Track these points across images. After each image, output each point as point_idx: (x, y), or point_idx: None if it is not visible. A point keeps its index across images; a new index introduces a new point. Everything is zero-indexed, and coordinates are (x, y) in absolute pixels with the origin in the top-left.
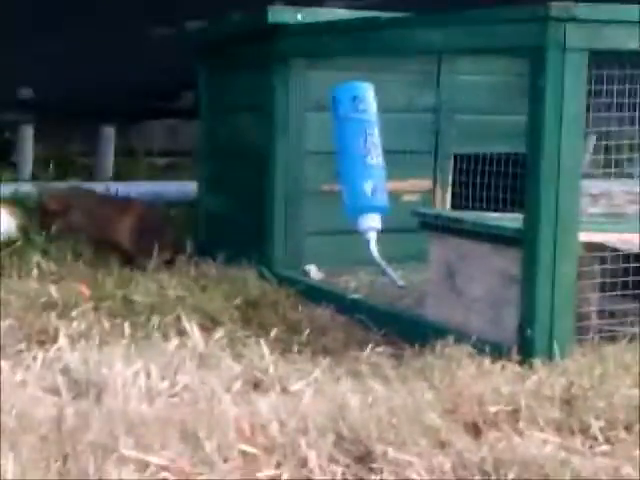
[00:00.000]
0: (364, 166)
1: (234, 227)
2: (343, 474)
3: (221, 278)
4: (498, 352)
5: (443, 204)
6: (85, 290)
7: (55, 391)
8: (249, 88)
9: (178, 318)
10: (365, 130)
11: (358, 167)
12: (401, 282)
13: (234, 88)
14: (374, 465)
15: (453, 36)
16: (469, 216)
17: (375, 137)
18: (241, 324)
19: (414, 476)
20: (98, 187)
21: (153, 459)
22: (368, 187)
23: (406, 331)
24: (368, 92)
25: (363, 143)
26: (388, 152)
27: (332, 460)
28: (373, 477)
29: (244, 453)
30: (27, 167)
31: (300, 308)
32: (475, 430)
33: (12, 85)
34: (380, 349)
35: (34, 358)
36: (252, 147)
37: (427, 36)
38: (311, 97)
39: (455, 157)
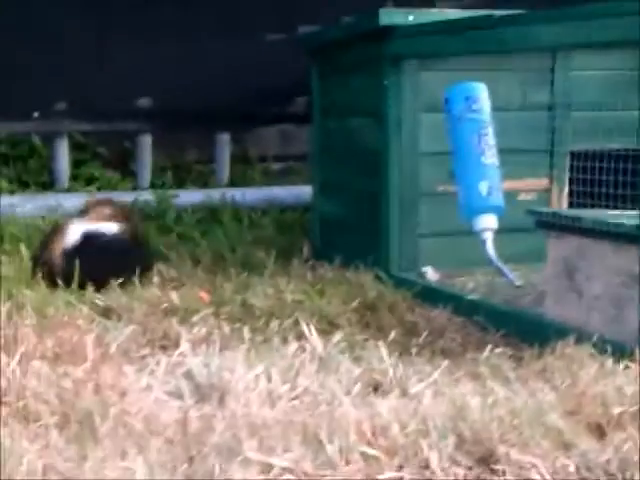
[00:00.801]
0: (479, 166)
1: (349, 230)
2: (465, 476)
3: (338, 281)
4: (620, 352)
5: (560, 203)
6: (205, 296)
7: (179, 395)
8: (362, 91)
9: (296, 322)
10: (479, 130)
11: (473, 167)
12: (518, 282)
13: (347, 91)
14: (496, 467)
15: (568, 31)
16: (587, 214)
17: (490, 136)
18: (359, 327)
19: (537, 478)
20: (214, 194)
21: (276, 461)
22: (483, 187)
23: (525, 332)
24: (482, 92)
25: (478, 143)
26: (503, 151)
27: (454, 462)
28: (495, 479)
29: (365, 455)
30: (146, 175)
31: (417, 310)
32: (599, 431)
33: (130, 94)
34: (499, 350)
35: (157, 363)
36: (366, 150)
37: (542, 32)
38: (424, 98)
39: (572, 154)
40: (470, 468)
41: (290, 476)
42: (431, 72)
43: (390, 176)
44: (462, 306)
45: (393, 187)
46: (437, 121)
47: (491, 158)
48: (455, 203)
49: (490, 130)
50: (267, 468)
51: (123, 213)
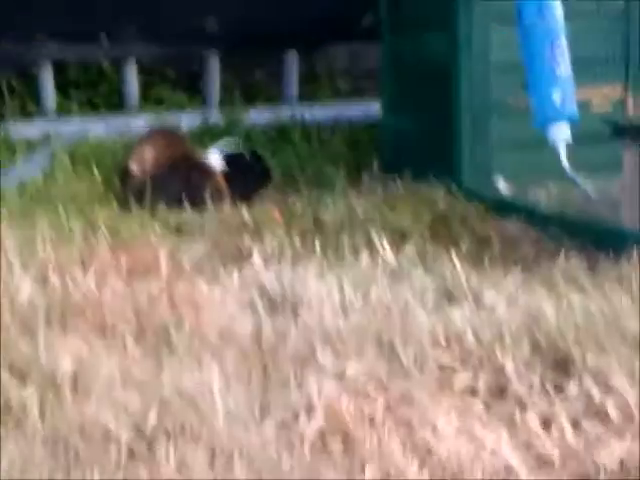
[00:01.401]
0: (552, 75)
1: (420, 144)
2: (541, 381)
3: (409, 195)
4: None
5: (635, 111)
6: (277, 215)
7: (252, 308)
8: (431, 3)
9: (368, 235)
10: (552, 38)
11: (546, 76)
12: (593, 192)
13: (415, 5)
14: (572, 371)
15: None
16: None
17: (562, 45)
18: (431, 239)
19: (614, 382)
20: (283, 112)
21: (351, 368)
22: (557, 96)
23: (600, 241)
24: (554, 1)
25: (550, 52)
26: (576, 60)
27: (529, 368)
28: (572, 383)
29: (440, 363)
30: (214, 96)
31: (490, 222)
32: None
33: (197, 16)
34: (574, 259)
35: (230, 278)
36: (437, 64)
37: None
38: (495, 8)
39: None
40: (546, 373)
41: (364, 383)
42: None
43: (461, 89)
44: (536, 218)
45: (464, 100)
46: (509, 31)
47: (564, 67)
48: (528, 114)
49: (563, 38)
50: (341, 375)
51: (178, 140)
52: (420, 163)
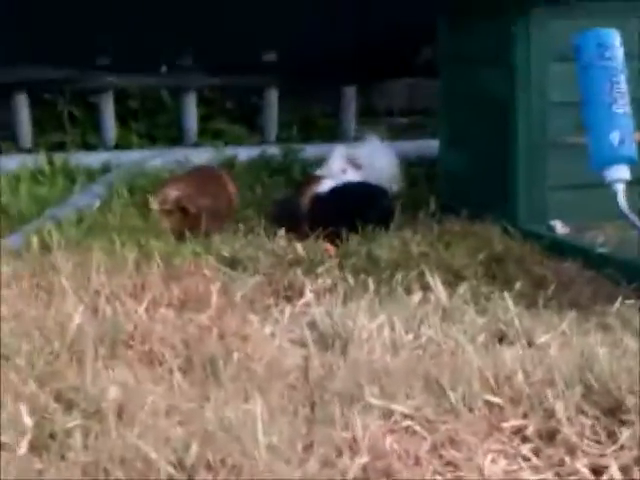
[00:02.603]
0: (610, 115)
1: (477, 183)
2: (592, 426)
3: (464, 234)
4: None
5: None
6: (330, 249)
7: (302, 343)
8: (489, 40)
9: (421, 273)
10: (611, 78)
11: (604, 116)
12: None
13: (474, 41)
14: (625, 417)
15: None
16: None
17: (622, 85)
18: (485, 279)
19: None
20: (340, 148)
21: (398, 407)
22: (615, 137)
23: None
24: (614, 39)
25: (609, 91)
26: (636, 100)
27: (580, 412)
28: (624, 430)
29: (489, 403)
30: (272, 130)
31: (545, 263)
32: None
33: (257, 48)
34: (630, 302)
35: (281, 312)
36: (494, 101)
37: None
38: (554, 46)
39: None
40: (597, 418)
41: (411, 422)
42: (561, 20)
43: (518, 127)
44: (592, 259)
45: (521, 139)
46: (567, 70)
47: (623, 107)
48: (585, 154)
49: (622, 78)
50: (388, 414)
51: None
52: (476, 202)
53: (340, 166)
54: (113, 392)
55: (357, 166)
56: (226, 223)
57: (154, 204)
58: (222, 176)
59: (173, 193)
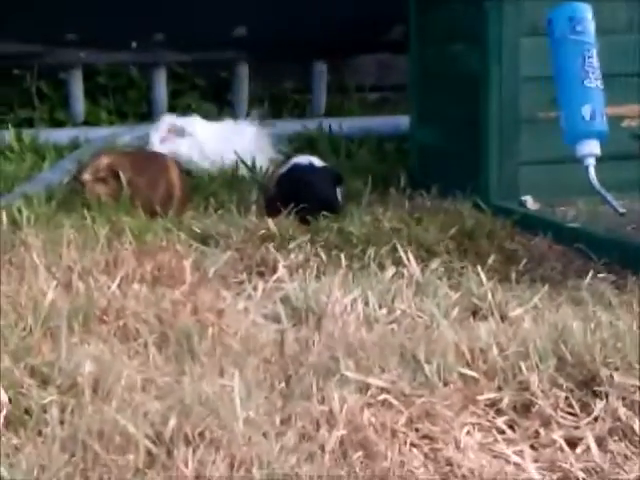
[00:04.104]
0: (582, 89)
1: (447, 159)
2: (566, 398)
3: (435, 210)
4: None
5: None
6: None
7: (276, 318)
8: (461, 16)
9: (394, 249)
10: (583, 52)
11: (576, 91)
12: (622, 209)
13: (445, 17)
14: (599, 389)
15: None
16: None
17: (594, 59)
18: (457, 254)
19: None
20: (311, 124)
21: (374, 381)
22: (587, 111)
23: (628, 259)
24: (586, 13)
25: (581, 66)
26: (607, 75)
27: (555, 384)
28: (598, 402)
29: (464, 376)
30: (243, 106)
31: (517, 238)
32: None
33: (227, 24)
34: (601, 277)
35: (255, 288)
36: (465, 76)
37: None
38: (525, 21)
39: None
40: (571, 390)
41: (387, 396)
42: None
43: (490, 102)
44: (563, 234)
45: (493, 113)
46: (539, 45)
47: (595, 81)
48: (557, 130)
49: (594, 53)
50: (364, 388)
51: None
52: (448, 178)
53: (161, 135)
54: (88, 366)
55: (181, 135)
56: (164, 210)
57: (85, 175)
58: (166, 163)
59: (105, 160)
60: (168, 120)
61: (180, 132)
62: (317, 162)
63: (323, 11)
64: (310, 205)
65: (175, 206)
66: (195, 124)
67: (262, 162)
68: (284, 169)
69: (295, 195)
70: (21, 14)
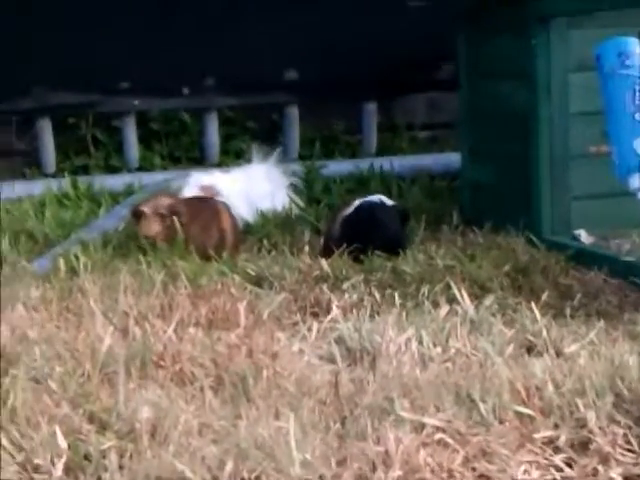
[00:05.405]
0: (633, 123)
1: (499, 195)
2: (624, 435)
3: (489, 246)
4: None
5: None
6: None
7: (330, 359)
8: (509, 53)
9: (447, 286)
10: (633, 86)
11: (627, 125)
12: None
13: (493, 54)
14: None
15: None
16: None
17: None
18: (511, 291)
19: None
20: (362, 163)
21: (429, 420)
22: (638, 145)
23: None
24: (635, 46)
25: (631, 100)
26: None
27: (612, 421)
28: None
29: (520, 414)
30: (294, 147)
31: (571, 273)
32: None
33: (277, 67)
34: None
35: (309, 329)
36: (515, 113)
37: None
38: (574, 56)
39: None
40: (629, 427)
41: (443, 435)
42: (580, 30)
43: (540, 138)
44: (618, 268)
45: (544, 149)
46: (588, 80)
47: None
48: (608, 164)
49: None
50: (419, 427)
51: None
52: (500, 214)
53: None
54: (146, 412)
55: (215, 194)
56: (217, 254)
57: (146, 208)
58: (218, 207)
59: (166, 200)
60: (196, 178)
61: (210, 190)
62: (387, 200)
63: (372, 51)
64: (380, 244)
65: (228, 250)
66: (217, 179)
67: (281, 201)
68: (349, 210)
69: (364, 234)
70: (76, 65)
